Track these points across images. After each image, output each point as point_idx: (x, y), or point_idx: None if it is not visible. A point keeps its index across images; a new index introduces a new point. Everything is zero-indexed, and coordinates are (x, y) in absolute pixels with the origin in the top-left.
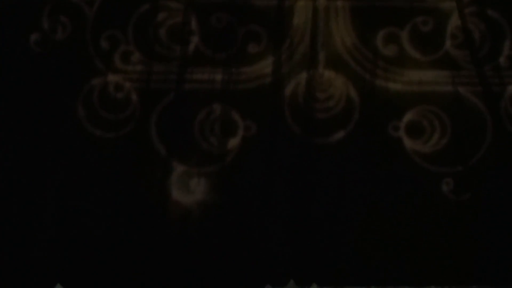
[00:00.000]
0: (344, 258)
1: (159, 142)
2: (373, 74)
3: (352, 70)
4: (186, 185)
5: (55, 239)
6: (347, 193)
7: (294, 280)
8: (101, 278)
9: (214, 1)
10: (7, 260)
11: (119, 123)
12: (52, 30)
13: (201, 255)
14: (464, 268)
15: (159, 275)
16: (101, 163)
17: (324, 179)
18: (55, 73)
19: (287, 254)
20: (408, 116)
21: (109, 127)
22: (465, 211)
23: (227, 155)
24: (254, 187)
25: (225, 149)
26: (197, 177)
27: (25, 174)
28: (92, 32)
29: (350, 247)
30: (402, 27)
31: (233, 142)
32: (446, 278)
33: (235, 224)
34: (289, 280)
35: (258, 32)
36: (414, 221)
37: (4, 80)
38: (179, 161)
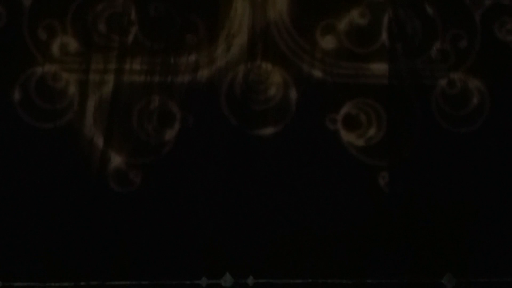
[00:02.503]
0: (279, 251)
1: (96, 133)
2: (311, 65)
3: (289, 62)
4: (123, 176)
5: None
6: (283, 186)
7: (230, 272)
8: (38, 268)
9: None
10: None
11: (56, 114)
12: None
13: (136, 247)
14: (399, 261)
15: (93, 266)
16: (37, 154)
17: (261, 172)
18: None
19: (223, 247)
20: (345, 109)
21: (46, 118)
22: (399, 204)
23: (164, 146)
24: (190, 178)
25: (162, 140)
26: (134, 168)
27: None
28: (29, 21)
29: (285, 240)
30: (339, 19)
31: (170, 133)
32: (382, 271)
33: (171, 216)
34: (224, 273)
35: (196, 22)
36: (351, 215)
37: None
38: (117, 152)
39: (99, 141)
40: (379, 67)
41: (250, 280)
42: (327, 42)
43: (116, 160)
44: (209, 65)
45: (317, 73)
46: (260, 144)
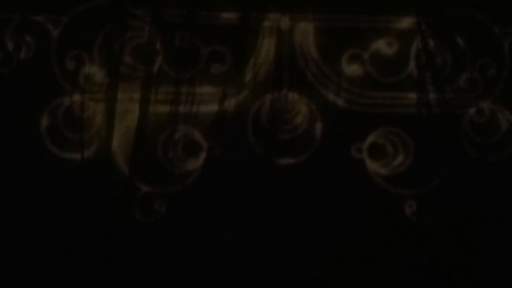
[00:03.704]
0: (305, 279)
1: (122, 162)
2: (336, 95)
3: (315, 91)
4: (150, 206)
5: (10, 262)
6: (309, 215)
7: None
8: None
9: (178, 20)
10: None
11: (83, 144)
12: (16, 49)
13: (161, 275)
14: None
15: None
16: (63, 184)
17: (286, 201)
18: (19, 93)
19: (247, 276)
20: (371, 138)
21: (73, 148)
22: (427, 233)
23: (189, 175)
24: (215, 207)
25: (188, 170)
26: (160, 198)
27: None
28: (57, 51)
29: (311, 269)
30: (366, 49)
31: (196, 163)
32: None
33: (196, 245)
34: None
35: (222, 52)
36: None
37: None
38: (143, 182)
39: (125, 171)
40: (406, 96)
41: None
42: (353, 71)
43: (142, 189)
44: (236, 94)
45: (343, 102)
46: (285, 173)
